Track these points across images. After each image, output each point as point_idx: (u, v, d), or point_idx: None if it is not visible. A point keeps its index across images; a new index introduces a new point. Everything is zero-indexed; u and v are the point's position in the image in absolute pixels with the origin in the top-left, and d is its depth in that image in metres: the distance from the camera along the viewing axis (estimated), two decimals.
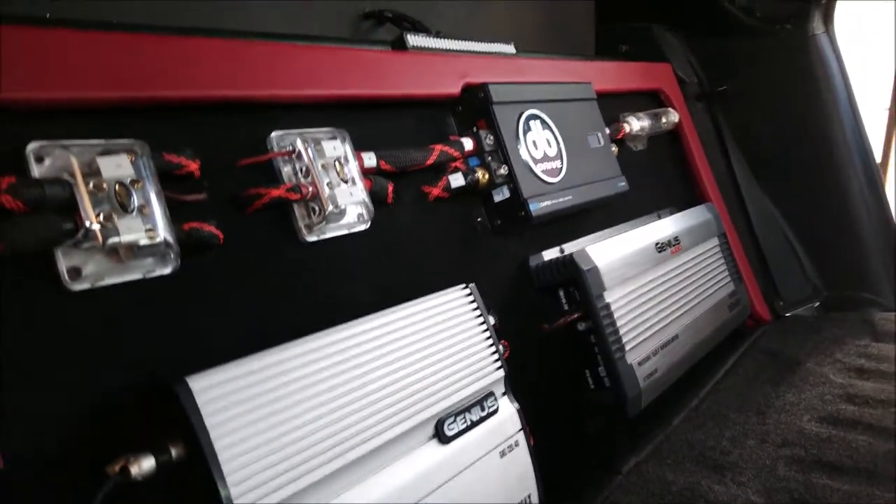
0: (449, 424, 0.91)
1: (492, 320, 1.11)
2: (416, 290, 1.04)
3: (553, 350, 1.33)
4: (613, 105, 1.74)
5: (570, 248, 1.43)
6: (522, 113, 1.31)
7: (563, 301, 1.32)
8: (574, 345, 1.32)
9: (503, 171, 1.24)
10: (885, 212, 2.06)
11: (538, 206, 1.26)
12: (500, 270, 1.30)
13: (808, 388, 1.48)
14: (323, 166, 0.96)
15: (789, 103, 2.04)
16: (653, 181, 1.83)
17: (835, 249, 2.07)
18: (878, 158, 2.16)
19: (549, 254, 1.39)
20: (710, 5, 2.04)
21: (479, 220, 1.28)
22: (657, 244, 1.50)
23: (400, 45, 1.23)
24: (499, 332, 1.13)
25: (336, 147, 0.98)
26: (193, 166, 0.83)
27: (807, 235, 2.10)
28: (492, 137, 1.24)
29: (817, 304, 2.06)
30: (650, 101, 1.92)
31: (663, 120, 1.84)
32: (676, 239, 1.57)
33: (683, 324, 1.49)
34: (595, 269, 1.29)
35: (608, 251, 1.36)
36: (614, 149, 1.59)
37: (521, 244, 1.35)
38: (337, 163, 0.97)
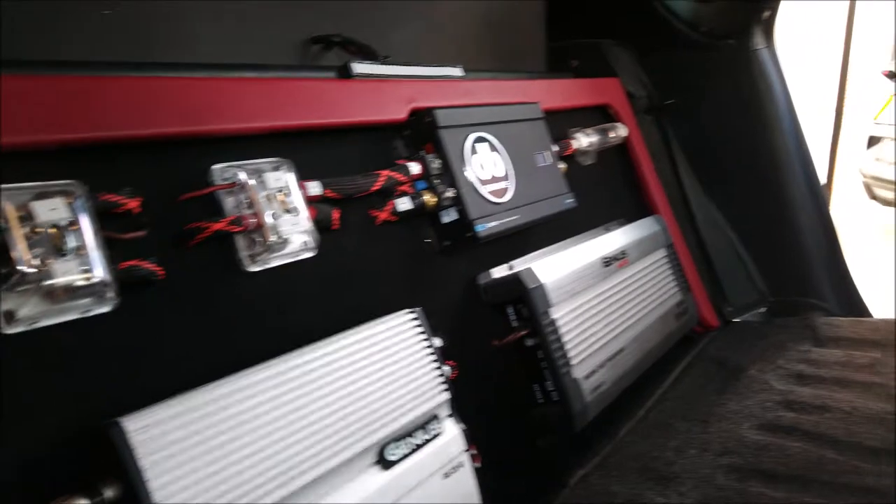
0: (391, 450, 0.93)
1: (438, 342, 1.14)
2: (364, 314, 1.07)
3: (505, 366, 1.36)
4: (563, 121, 1.78)
5: (519, 264, 1.46)
6: (469, 136, 1.34)
7: (513, 317, 1.36)
8: (523, 360, 1.35)
9: (450, 193, 1.26)
10: (826, 220, 2.14)
11: (485, 227, 1.29)
12: (449, 290, 1.33)
13: (751, 395, 1.53)
14: (266, 197, 0.97)
15: (734, 115, 2.11)
16: (602, 195, 1.87)
17: (779, 256, 2.14)
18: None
19: (499, 271, 1.42)
20: (657, 21, 2.10)
21: (428, 241, 1.30)
22: (604, 259, 1.54)
23: (345, 72, 1.25)
24: (449, 352, 1.16)
25: (279, 177, 1.00)
26: (133, 204, 0.84)
27: (753, 243, 2.17)
28: (439, 161, 1.27)
29: (764, 309, 2.12)
30: (599, 115, 1.96)
31: (612, 134, 1.88)
32: (623, 252, 1.62)
33: (630, 336, 1.54)
34: (540, 288, 1.32)
35: (554, 268, 1.39)
36: (562, 166, 1.63)
37: (470, 263, 1.38)
38: (280, 193, 0.99)
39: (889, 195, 5.89)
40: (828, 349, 1.75)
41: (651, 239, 1.76)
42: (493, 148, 1.39)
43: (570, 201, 1.56)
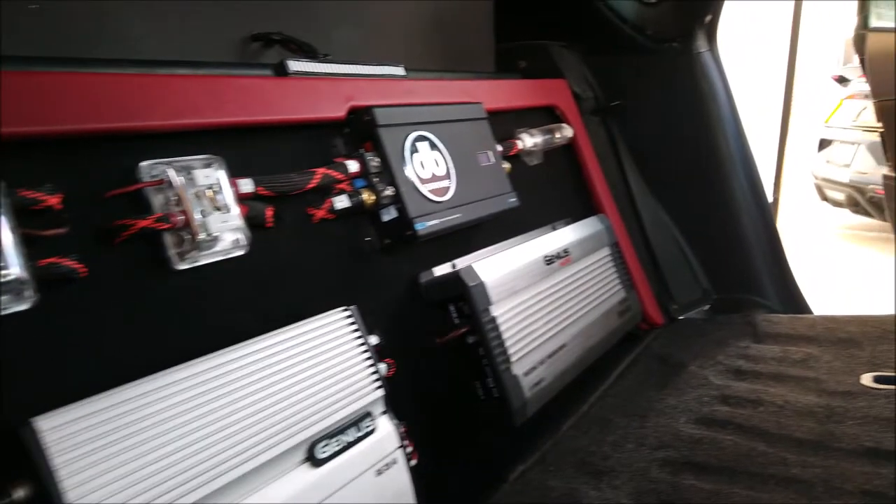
0: (321, 447, 0.93)
1: (374, 340, 1.14)
2: (298, 313, 1.07)
3: (447, 363, 1.37)
4: (509, 122, 1.80)
5: (461, 263, 1.47)
6: (409, 134, 1.34)
7: (454, 315, 1.37)
8: (464, 357, 1.36)
9: (389, 191, 1.27)
10: (768, 219, 2.21)
11: (425, 226, 1.30)
12: (390, 288, 1.34)
13: (690, 390, 1.57)
14: (195, 194, 0.97)
15: (678, 117, 2.16)
16: (548, 194, 1.90)
17: (723, 254, 2.20)
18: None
19: (441, 269, 1.43)
20: (604, 24, 2.13)
21: (368, 239, 1.31)
22: (546, 257, 1.56)
23: (281, 70, 1.24)
24: (388, 350, 1.16)
25: (209, 175, 0.99)
26: (53, 200, 0.83)
27: (697, 242, 2.22)
28: (378, 159, 1.27)
29: (708, 307, 2.17)
30: (546, 116, 1.99)
31: (557, 135, 1.91)
32: (566, 251, 1.64)
33: (571, 333, 1.56)
34: (481, 285, 1.34)
35: (496, 266, 1.41)
36: (506, 165, 1.65)
37: (412, 261, 1.39)
38: (210, 190, 0.98)
39: (840, 196, 6.05)
40: (766, 345, 1.81)
41: (595, 238, 1.79)
42: (434, 147, 1.40)
43: (513, 200, 1.58)
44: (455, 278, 1.33)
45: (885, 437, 1.26)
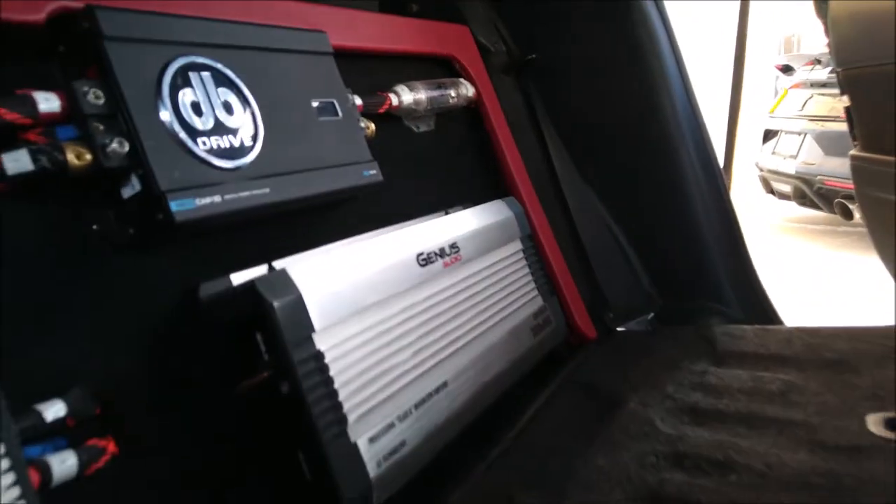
0: None
1: (59, 411, 0.63)
2: None
3: (254, 425, 0.87)
4: (383, 72, 1.31)
5: (285, 266, 0.97)
6: (174, 60, 0.83)
7: (263, 348, 0.86)
8: (281, 416, 0.86)
9: (122, 147, 0.75)
10: (725, 205, 1.75)
11: (194, 205, 0.79)
12: (141, 307, 0.82)
13: (628, 443, 1.09)
14: None
15: (611, 76, 1.69)
16: (440, 172, 1.41)
17: (670, 250, 1.74)
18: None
19: (246, 276, 0.91)
20: None
21: (95, 227, 0.79)
22: (420, 255, 1.07)
23: None
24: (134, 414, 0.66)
25: None
26: None
27: (638, 234, 1.76)
28: (102, 93, 0.75)
29: (651, 315, 1.72)
30: (441, 70, 1.50)
31: (452, 93, 1.42)
32: (454, 246, 1.15)
33: (457, 365, 1.07)
34: (295, 302, 0.83)
35: (330, 270, 0.91)
36: (368, 126, 1.15)
37: (192, 263, 0.88)
38: None
39: (786, 188, 5.77)
40: (729, 368, 1.35)
41: (499, 228, 1.31)
42: (226, 84, 0.89)
43: (372, 173, 1.07)
44: (248, 290, 0.82)
45: None
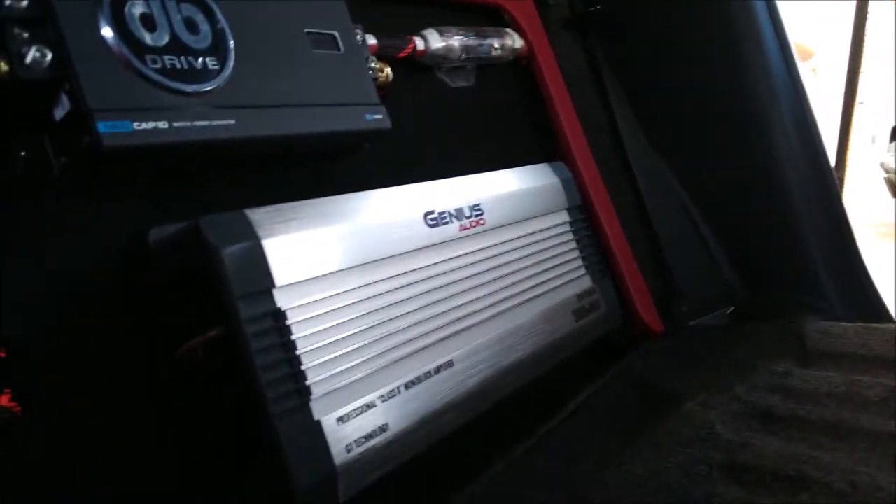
0: None
1: None
2: None
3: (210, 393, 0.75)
4: (419, 17, 1.17)
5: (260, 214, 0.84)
6: None
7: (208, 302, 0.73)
8: (229, 383, 0.73)
9: (43, 57, 0.64)
10: (827, 183, 1.48)
11: (131, 128, 0.67)
12: (73, 252, 0.71)
13: (676, 448, 0.89)
14: None
15: (696, 38, 1.46)
16: (475, 132, 1.25)
17: (759, 237, 1.49)
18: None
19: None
20: None
21: (23, 154, 0.69)
22: (429, 214, 0.91)
23: None
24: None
25: None
26: None
27: (720, 218, 1.52)
28: None
29: (731, 309, 1.47)
30: (489, 20, 1.34)
31: (496, 44, 1.25)
32: (476, 209, 0.99)
33: (469, 344, 0.91)
34: (249, 249, 0.70)
35: (307, 219, 0.77)
36: (382, 70, 1.01)
37: (146, 206, 0.76)
38: None
39: None
40: (820, 370, 1.10)
41: (539, 194, 1.13)
42: None
43: (377, 117, 0.93)
44: (191, 231, 0.69)
45: None
